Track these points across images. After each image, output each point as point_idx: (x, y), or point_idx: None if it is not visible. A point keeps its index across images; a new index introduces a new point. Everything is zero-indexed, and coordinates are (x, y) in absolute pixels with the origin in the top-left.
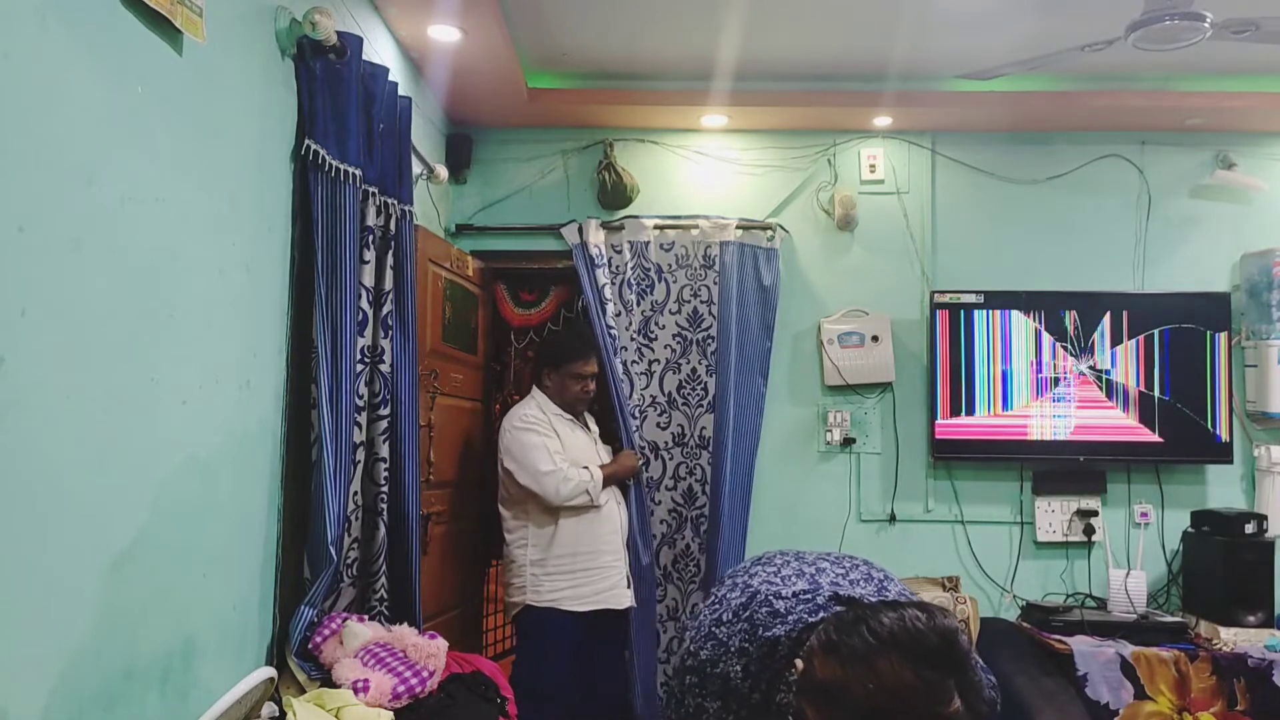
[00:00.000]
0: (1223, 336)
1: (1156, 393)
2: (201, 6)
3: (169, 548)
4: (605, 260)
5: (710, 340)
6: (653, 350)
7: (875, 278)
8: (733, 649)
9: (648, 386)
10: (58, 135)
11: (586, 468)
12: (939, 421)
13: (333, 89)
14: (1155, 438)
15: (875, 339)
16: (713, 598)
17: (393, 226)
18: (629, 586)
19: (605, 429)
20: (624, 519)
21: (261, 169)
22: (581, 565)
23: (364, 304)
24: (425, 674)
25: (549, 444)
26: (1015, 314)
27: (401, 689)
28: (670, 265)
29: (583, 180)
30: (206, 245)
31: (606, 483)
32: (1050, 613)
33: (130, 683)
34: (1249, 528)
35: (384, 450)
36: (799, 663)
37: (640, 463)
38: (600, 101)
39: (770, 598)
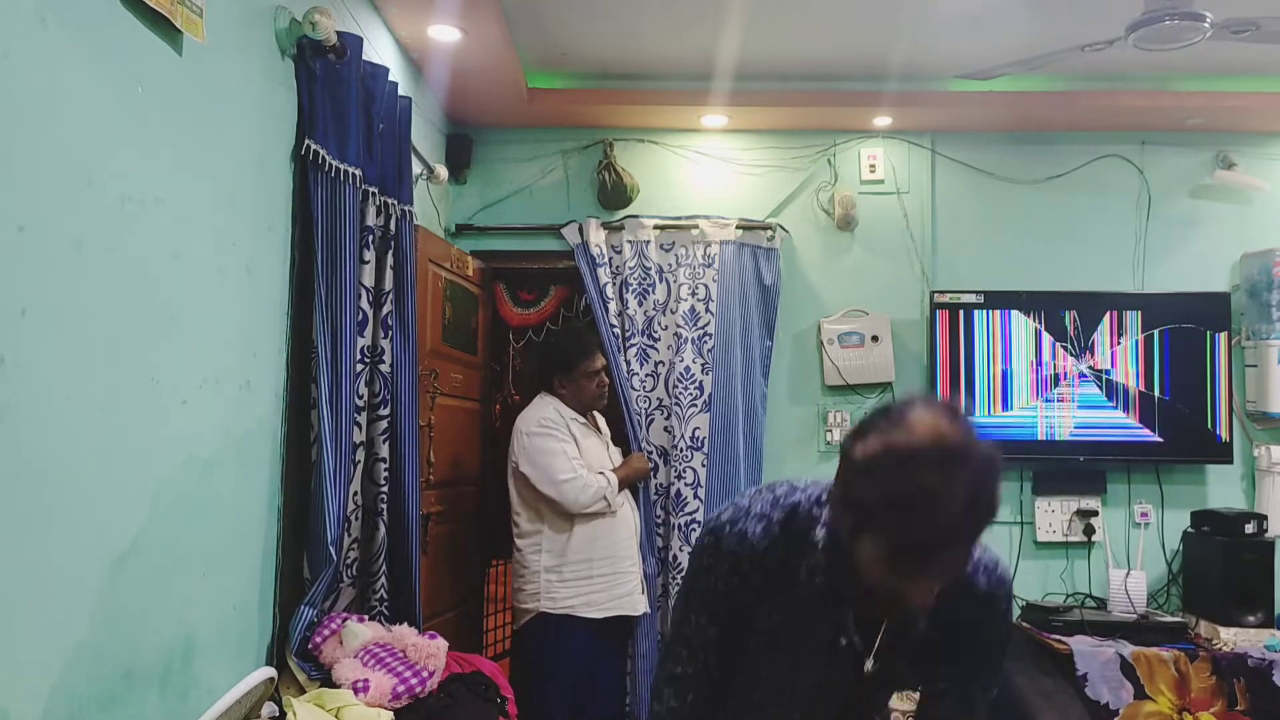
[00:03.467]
0: (1223, 336)
1: (1156, 392)
2: (201, 6)
3: (169, 547)
4: (606, 260)
5: (707, 338)
6: (657, 352)
7: (875, 278)
8: (754, 512)
9: (653, 389)
10: (58, 135)
11: (603, 473)
12: None
13: (333, 89)
14: (1155, 437)
15: (875, 339)
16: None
17: (393, 226)
18: (643, 592)
19: (613, 430)
20: (638, 522)
21: (261, 169)
22: (599, 571)
23: (364, 304)
24: (425, 674)
25: (567, 449)
26: (1015, 314)
27: (401, 689)
28: (670, 265)
29: (583, 180)
30: (206, 245)
31: (620, 486)
32: (1050, 613)
33: (130, 682)
34: (1249, 528)
35: (384, 450)
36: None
37: (650, 465)
38: (600, 101)
39: (789, 482)
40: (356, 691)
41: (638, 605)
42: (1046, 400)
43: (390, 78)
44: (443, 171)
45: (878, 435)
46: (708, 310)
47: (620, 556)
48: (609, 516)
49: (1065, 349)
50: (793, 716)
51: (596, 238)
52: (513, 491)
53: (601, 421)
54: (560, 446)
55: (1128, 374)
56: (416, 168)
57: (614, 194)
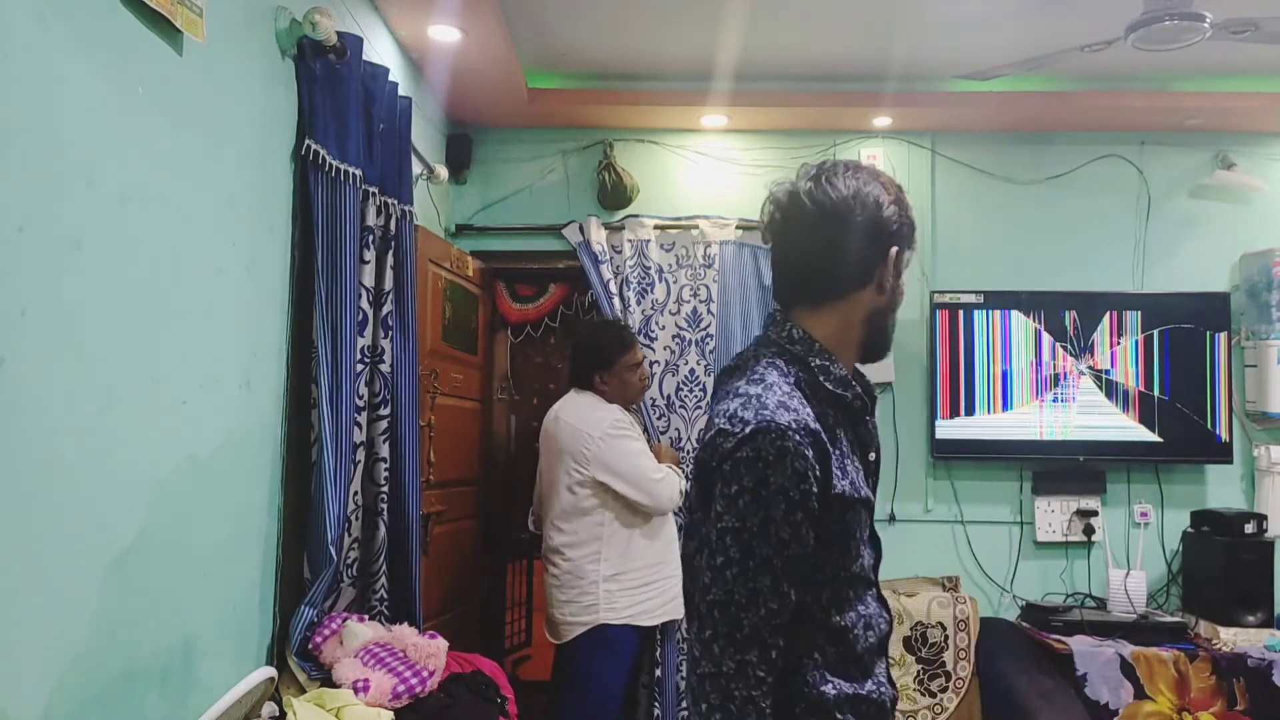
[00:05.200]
0: (1222, 336)
1: (1156, 393)
2: (201, 6)
3: (169, 548)
4: (607, 259)
5: (709, 339)
6: (653, 351)
7: None
8: (779, 399)
9: (649, 388)
10: (58, 135)
11: (672, 469)
12: (939, 421)
13: (333, 89)
14: (1155, 437)
15: None
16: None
17: (393, 226)
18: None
19: None
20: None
21: (261, 169)
22: (656, 576)
23: (364, 304)
24: (425, 674)
25: (645, 449)
26: (1015, 314)
27: (401, 689)
28: (670, 265)
29: (583, 180)
30: (206, 245)
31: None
32: (1050, 613)
33: (130, 683)
34: (1249, 528)
35: (384, 450)
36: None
37: (676, 450)
38: (600, 101)
39: (746, 371)
40: (357, 691)
41: (683, 608)
42: (1046, 400)
43: (390, 78)
44: (443, 171)
45: (876, 177)
46: (709, 311)
47: (669, 560)
48: (658, 518)
49: (1065, 349)
50: (863, 592)
51: (597, 237)
52: (566, 499)
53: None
54: (640, 446)
55: (1127, 374)
56: (416, 168)
57: (614, 194)
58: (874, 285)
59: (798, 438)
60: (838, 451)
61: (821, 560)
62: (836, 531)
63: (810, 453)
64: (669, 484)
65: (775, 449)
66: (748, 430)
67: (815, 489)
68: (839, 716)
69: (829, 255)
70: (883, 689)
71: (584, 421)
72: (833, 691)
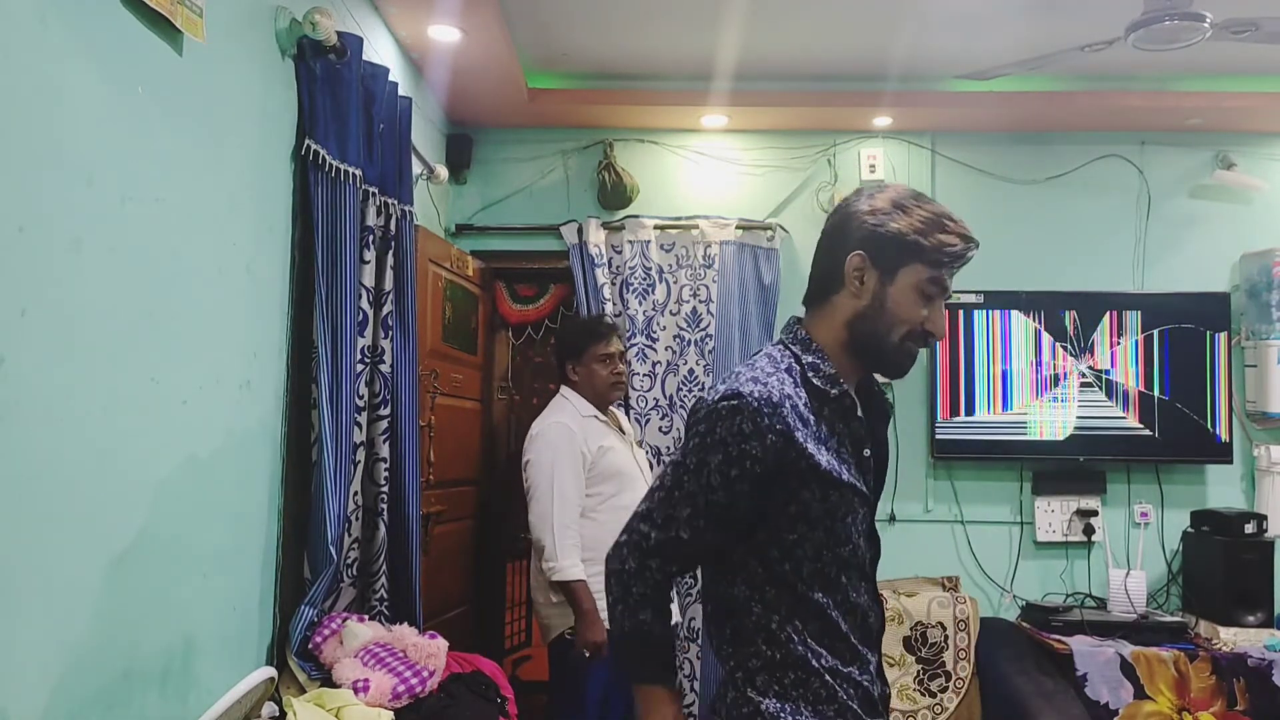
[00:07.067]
0: (1222, 336)
1: (1156, 393)
2: (201, 6)
3: (169, 548)
4: (605, 260)
5: (708, 339)
6: (655, 352)
7: None
8: (759, 374)
9: (651, 389)
10: (58, 135)
11: (583, 564)
12: (939, 421)
13: (333, 89)
14: (1155, 437)
15: None
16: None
17: (393, 226)
18: (674, 601)
19: None
20: None
21: (261, 169)
22: None
23: (364, 304)
24: (425, 674)
25: (577, 482)
26: (1015, 314)
27: (401, 689)
28: (671, 265)
29: (583, 180)
30: (206, 245)
31: (574, 603)
32: (1050, 613)
33: (130, 683)
34: (1249, 528)
35: (384, 450)
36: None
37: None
38: (600, 101)
39: (749, 363)
40: (357, 691)
41: (673, 613)
42: (1046, 400)
43: (390, 78)
44: (443, 171)
45: (878, 193)
46: (709, 311)
47: None
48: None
49: (1065, 349)
50: (856, 582)
51: (596, 238)
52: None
53: (624, 419)
54: (574, 478)
55: (1127, 374)
56: (416, 168)
57: (614, 194)
58: (846, 290)
59: (754, 404)
60: (809, 431)
61: (802, 535)
62: (818, 510)
63: (764, 421)
64: (566, 544)
65: (729, 408)
66: (717, 397)
67: (760, 454)
68: (835, 685)
69: (814, 266)
70: (870, 680)
71: (540, 417)
72: (819, 664)
